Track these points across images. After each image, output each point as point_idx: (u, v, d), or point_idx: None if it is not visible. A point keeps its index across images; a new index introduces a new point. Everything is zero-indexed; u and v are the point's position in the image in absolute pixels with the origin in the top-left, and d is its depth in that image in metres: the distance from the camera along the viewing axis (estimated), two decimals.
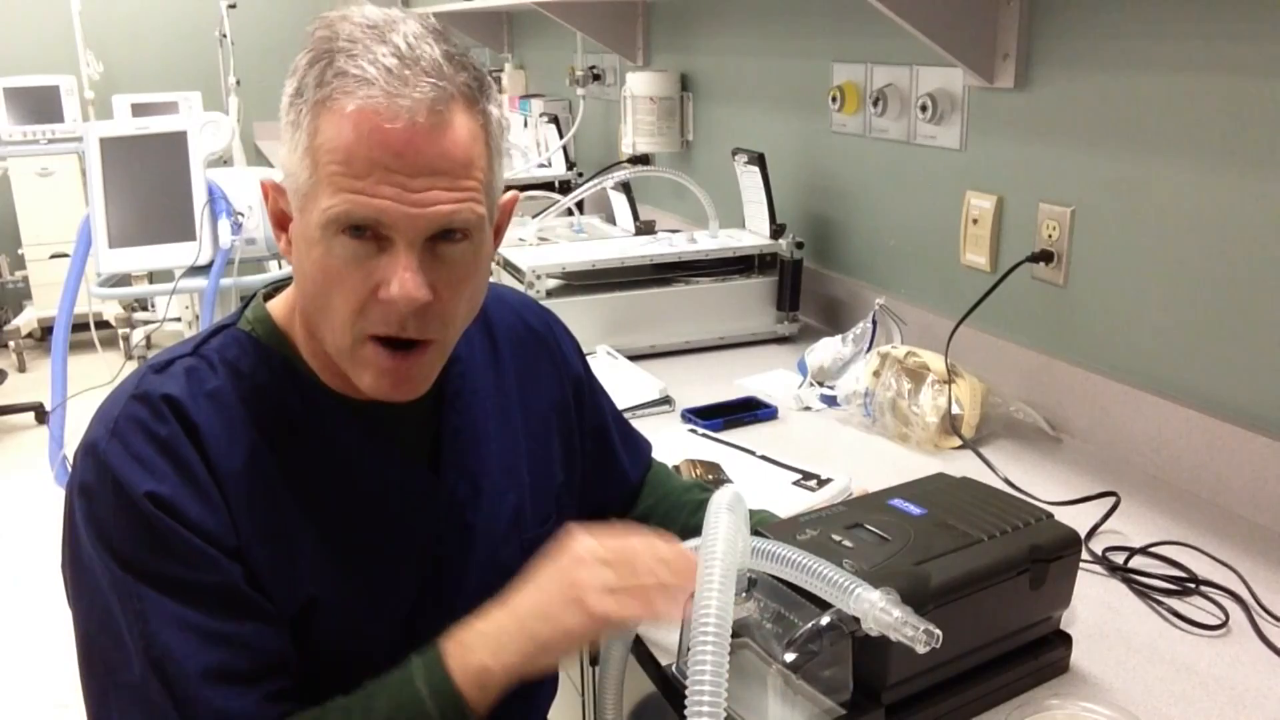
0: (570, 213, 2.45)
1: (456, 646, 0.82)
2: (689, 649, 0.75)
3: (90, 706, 0.82)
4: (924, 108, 1.74)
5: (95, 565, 0.80)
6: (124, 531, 0.79)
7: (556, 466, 1.06)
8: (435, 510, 0.94)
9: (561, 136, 3.04)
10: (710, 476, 1.32)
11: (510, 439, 1.01)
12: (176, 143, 2.37)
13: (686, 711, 0.72)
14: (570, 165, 3.10)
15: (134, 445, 0.80)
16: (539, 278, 1.84)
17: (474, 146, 0.81)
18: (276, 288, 0.94)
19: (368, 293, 0.80)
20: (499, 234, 0.92)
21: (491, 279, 0.98)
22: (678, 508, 1.15)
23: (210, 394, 0.85)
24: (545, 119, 3.12)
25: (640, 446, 1.22)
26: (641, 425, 1.26)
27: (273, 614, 0.83)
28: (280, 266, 2.91)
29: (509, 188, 0.92)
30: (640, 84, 2.61)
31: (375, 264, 0.80)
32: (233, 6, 4.71)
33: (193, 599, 0.79)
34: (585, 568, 0.82)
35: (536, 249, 2.04)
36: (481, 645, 0.82)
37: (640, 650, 1.01)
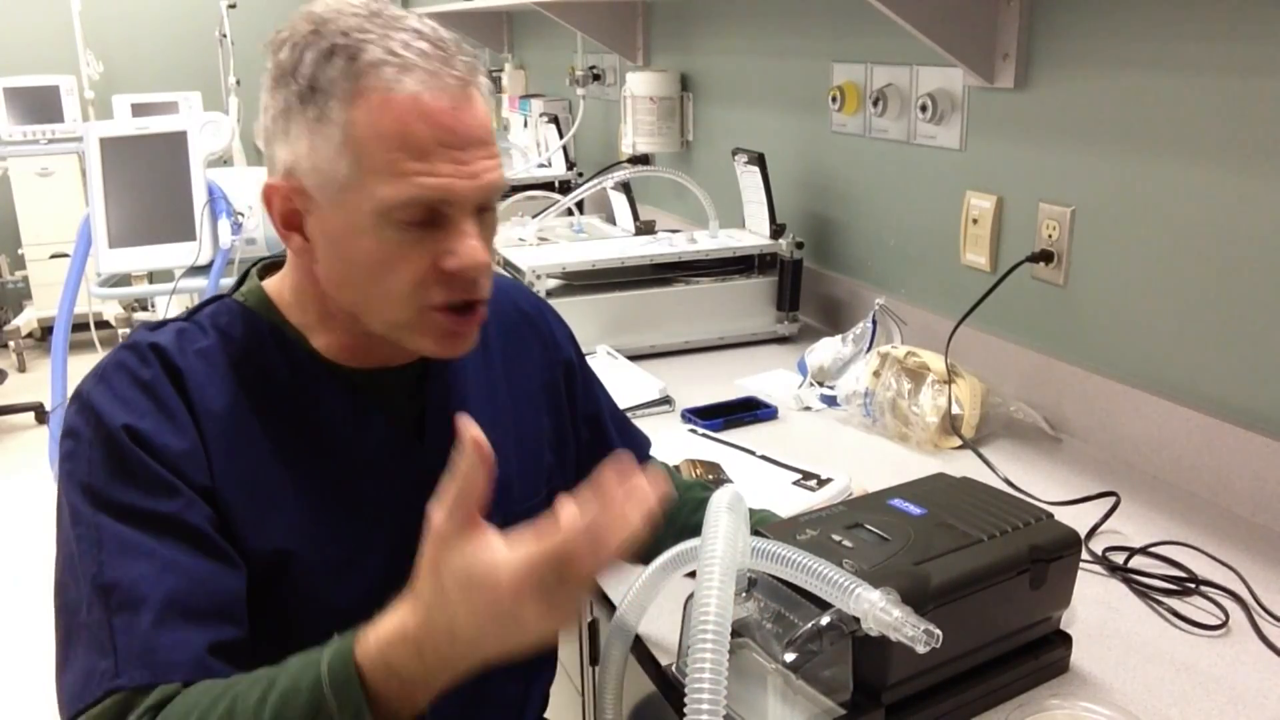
0: (570, 213, 2.45)
1: (376, 643, 0.74)
2: (689, 649, 0.75)
3: (57, 651, 0.80)
4: (924, 108, 1.74)
5: (65, 504, 0.81)
6: (96, 464, 0.80)
7: (545, 448, 1.08)
8: (419, 476, 0.94)
9: (561, 136, 3.04)
10: (710, 476, 1.32)
11: (495, 416, 1.02)
12: (176, 143, 2.37)
13: (686, 712, 0.72)
14: (570, 165, 3.10)
15: (118, 386, 0.83)
16: (539, 278, 1.84)
17: (491, 119, 0.88)
18: (271, 265, 0.96)
19: (428, 267, 0.84)
20: None
21: None
22: (678, 507, 1.15)
23: (199, 352, 0.88)
24: (545, 119, 3.12)
25: (638, 441, 1.22)
26: (641, 425, 1.26)
27: (234, 560, 0.83)
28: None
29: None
30: (640, 84, 2.61)
31: (433, 239, 0.84)
32: (233, 6, 4.71)
33: (150, 526, 0.79)
34: (526, 603, 0.69)
35: (536, 249, 2.04)
36: (405, 654, 0.73)
37: (640, 650, 1.01)
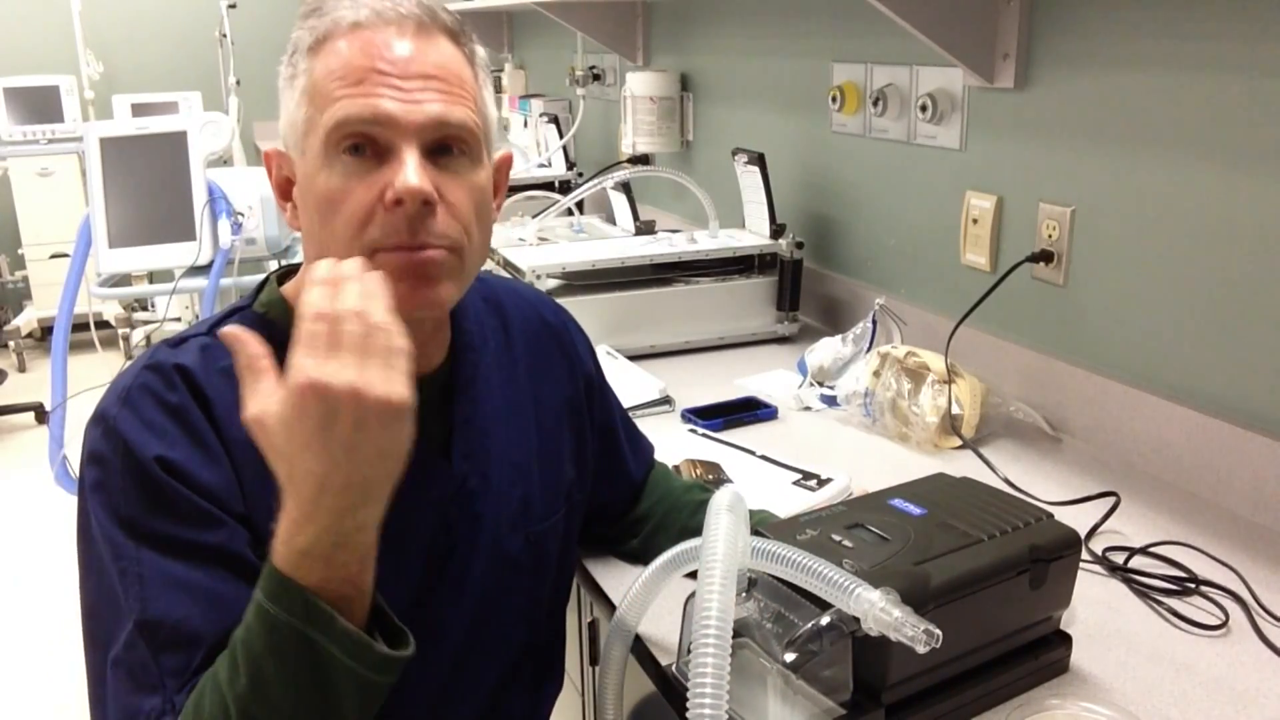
0: (570, 213, 2.45)
1: (282, 545, 0.74)
2: (689, 649, 0.75)
3: (90, 680, 0.81)
4: (924, 108, 1.74)
5: (99, 534, 0.80)
6: (131, 496, 0.79)
7: (566, 463, 1.07)
8: (444, 497, 0.94)
9: (561, 136, 3.04)
10: (710, 476, 1.32)
11: (521, 432, 1.02)
12: (176, 143, 2.37)
13: (688, 713, 0.72)
14: (570, 165, 3.10)
15: (145, 412, 0.81)
16: (539, 278, 1.84)
17: (463, 70, 0.86)
18: (289, 271, 0.95)
19: (372, 202, 0.81)
20: (498, 192, 0.94)
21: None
22: (678, 508, 1.16)
23: (223, 370, 0.85)
24: (545, 119, 3.12)
25: (644, 446, 1.22)
26: (642, 425, 1.26)
27: None
28: (280, 266, 2.90)
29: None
30: (640, 84, 2.61)
31: (378, 174, 0.82)
32: (233, 6, 4.71)
33: (194, 558, 0.79)
34: (308, 410, 0.70)
35: (536, 249, 2.04)
36: (306, 533, 0.73)
37: (640, 650, 1.01)
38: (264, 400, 0.73)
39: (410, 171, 0.80)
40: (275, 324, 0.91)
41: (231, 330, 0.75)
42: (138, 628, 0.77)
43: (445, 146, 0.84)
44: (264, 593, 0.72)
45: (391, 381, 0.71)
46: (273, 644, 0.71)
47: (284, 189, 0.89)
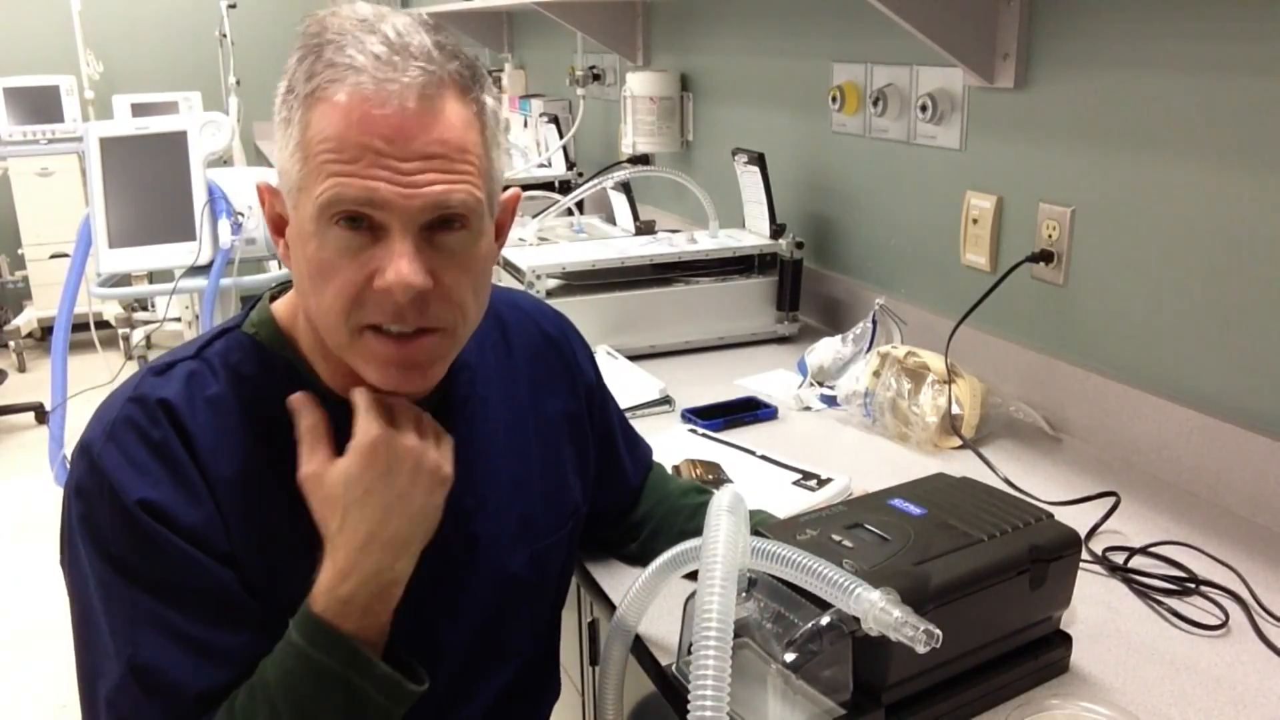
0: (570, 213, 2.44)
1: (323, 593, 0.81)
2: (690, 649, 0.75)
3: (83, 708, 0.83)
4: (924, 108, 1.74)
5: (88, 569, 0.80)
6: (117, 537, 0.79)
7: (570, 475, 1.05)
8: (444, 514, 0.93)
9: (561, 136, 3.04)
10: (710, 476, 1.32)
11: (522, 448, 1.00)
12: (176, 143, 2.37)
13: (689, 713, 0.72)
14: (570, 165, 3.10)
15: (128, 449, 0.80)
16: (539, 278, 1.84)
17: (467, 133, 0.80)
18: (282, 288, 0.93)
19: (363, 282, 0.79)
20: (502, 233, 0.91)
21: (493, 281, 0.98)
22: (676, 511, 1.15)
23: (210, 400, 0.84)
24: (545, 119, 3.12)
25: (642, 449, 1.22)
26: (641, 425, 1.26)
27: (263, 623, 0.83)
28: (280, 266, 2.91)
29: (510, 187, 0.92)
30: (640, 84, 2.61)
31: (370, 254, 0.78)
32: (233, 6, 4.71)
33: (183, 605, 0.79)
34: (397, 472, 0.83)
35: (536, 249, 2.04)
36: (350, 583, 0.81)
37: (640, 650, 1.01)
38: (320, 462, 0.82)
39: (404, 264, 0.77)
40: (264, 346, 0.89)
41: (297, 398, 0.85)
42: (130, 671, 0.78)
43: (446, 220, 0.80)
44: (305, 639, 0.79)
45: (442, 457, 0.86)
46: (317, 686, 0.79)
47: (277, 225, 0.86)
